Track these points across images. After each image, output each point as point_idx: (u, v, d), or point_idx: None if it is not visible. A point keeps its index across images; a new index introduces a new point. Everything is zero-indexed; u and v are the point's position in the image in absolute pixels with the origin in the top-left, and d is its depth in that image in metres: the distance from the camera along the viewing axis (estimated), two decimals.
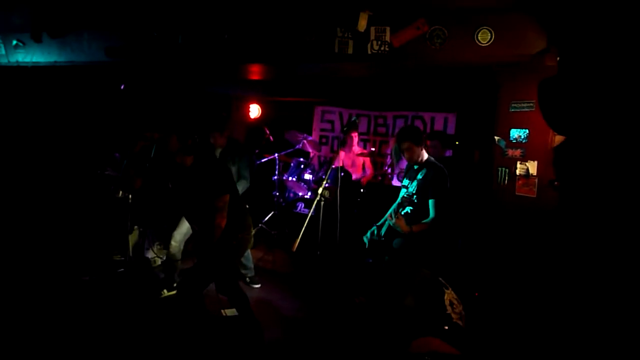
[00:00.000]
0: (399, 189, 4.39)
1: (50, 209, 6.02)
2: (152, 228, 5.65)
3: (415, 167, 4.14)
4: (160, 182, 3.90)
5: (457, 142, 6.68)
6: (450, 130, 7.33)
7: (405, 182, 4.23)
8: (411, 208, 4.08)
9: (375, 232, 4.31)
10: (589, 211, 3.44)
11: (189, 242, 4.76)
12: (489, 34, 3.90)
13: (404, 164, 4.51)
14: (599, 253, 3.36)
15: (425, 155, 4.14)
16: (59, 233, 5.75)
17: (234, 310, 4.28)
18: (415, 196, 4.04)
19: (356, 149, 7.25)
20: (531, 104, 4.05)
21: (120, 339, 3.75)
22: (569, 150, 3.66)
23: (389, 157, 7.52)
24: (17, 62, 5.46)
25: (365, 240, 4.36)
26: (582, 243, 3.50)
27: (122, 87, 5.64)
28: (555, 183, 3.91)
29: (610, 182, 3.24)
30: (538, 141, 4.06)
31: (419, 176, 4.05)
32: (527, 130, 4.11)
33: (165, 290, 4.67)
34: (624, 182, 3.14)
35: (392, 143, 7.13)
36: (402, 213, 4.11)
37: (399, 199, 4.32)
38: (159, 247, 5.72)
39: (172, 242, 4.66)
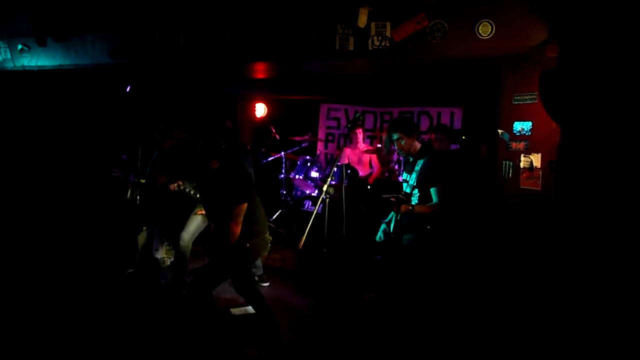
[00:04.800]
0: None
1: (58, 211, 6.09)
2: (160, 229, 5.69)
3: (411, 159, 4.07)
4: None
5: (463, 137, 6.64)
6: (457, 124, 7.29)
7: (405, 176, 4.17)
8: (415, 201, 4.02)
9: (386, 229, 4.27)
10: (587, 205, 3.40)
11: (197, 243, 4.79)
12: (490, 27, 3.87)
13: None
14: (595, 244, 3.33)
15: (419, 146, 4.06)
16: (67, 235, 5.82)
17: (242, 309, 4.32)
18: (416, 188, 3.98)
19: (362, 145, 7.24)
20: (534, 96, 4.01)
21: (129, 339, 3.79)
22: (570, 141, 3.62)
23: (395, 153, 7.51)
24: (22, 66, 5.53)
25: (378, 239, 4.33)
26: (578, 234, 3.48)
27: (127, 89, 5.68)
28: (553, 165, 3.88)
29: (608, 174, 3.20)
30: (542, 133, 4.02)
31: (417, 167, 3.96)
32: (530, 123, 4.07)
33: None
34: (622, 174, 3.11)
35: (384, 135, 7.09)
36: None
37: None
38: (167, 247, 5.76)
39: (181, 242, 4.69)
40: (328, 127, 8.42)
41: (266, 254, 3.80)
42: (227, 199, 3.40)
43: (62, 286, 4.72)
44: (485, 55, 4.14)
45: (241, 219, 3.40)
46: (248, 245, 3.52)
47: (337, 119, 8.36)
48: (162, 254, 5.67)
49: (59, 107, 6.26)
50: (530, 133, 4.08)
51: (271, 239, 3.74)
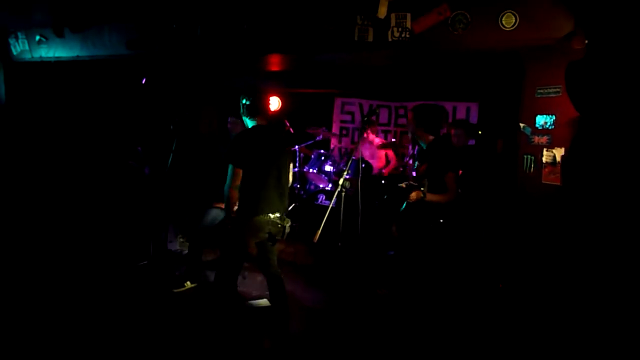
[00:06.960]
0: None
1: (72, 202, 6.10)
2: (175, 220, 5.68)
3: (424, 146, 4.00)
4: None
5: (479, 132, 6.57)
6: (473, 119, 7.22)
7: (417, 165, 4.13)
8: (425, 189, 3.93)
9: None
10: (611, 200, 3.33)
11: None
12: (514, 18, 3.80)
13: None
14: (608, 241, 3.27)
15: (431, 137, 3.99)
16: (81, 225, 5.84)
17: (259, 302, 4.30)
18: (427, 178, 3.89)
19: (377, 140, 7.18)
20: (558, 89, 3.93)
21: (141, 330, 3.78)
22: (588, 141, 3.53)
23: (410, 147, 7.44)
24: (40, 57, 5.54)
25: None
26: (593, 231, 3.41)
27: (143, 81, 5.67)
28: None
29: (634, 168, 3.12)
30: (565, 127, 3.93)
31: (429, 156, 3.92)
32: (553, 116, 3.99)
33: (188, 282, 4.68)
34: None
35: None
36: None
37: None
38: (181, 240, 5.76)
39: (195, 234, 4.72)
40: (342, 122, 8.37)
41: (280, 237, 3.68)
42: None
43: (76, 277, 4.72)
44: (508, 47, 4.06)
45: (233, 181, 3.41)
46: (229, 226, 3.49)
47: (352, 113, 8.30)
48: (177, 245, 5.67)
49: (75, 98, 6.27)
50: (553, 127, 3.99)
51: (288, 222, 3.67)
